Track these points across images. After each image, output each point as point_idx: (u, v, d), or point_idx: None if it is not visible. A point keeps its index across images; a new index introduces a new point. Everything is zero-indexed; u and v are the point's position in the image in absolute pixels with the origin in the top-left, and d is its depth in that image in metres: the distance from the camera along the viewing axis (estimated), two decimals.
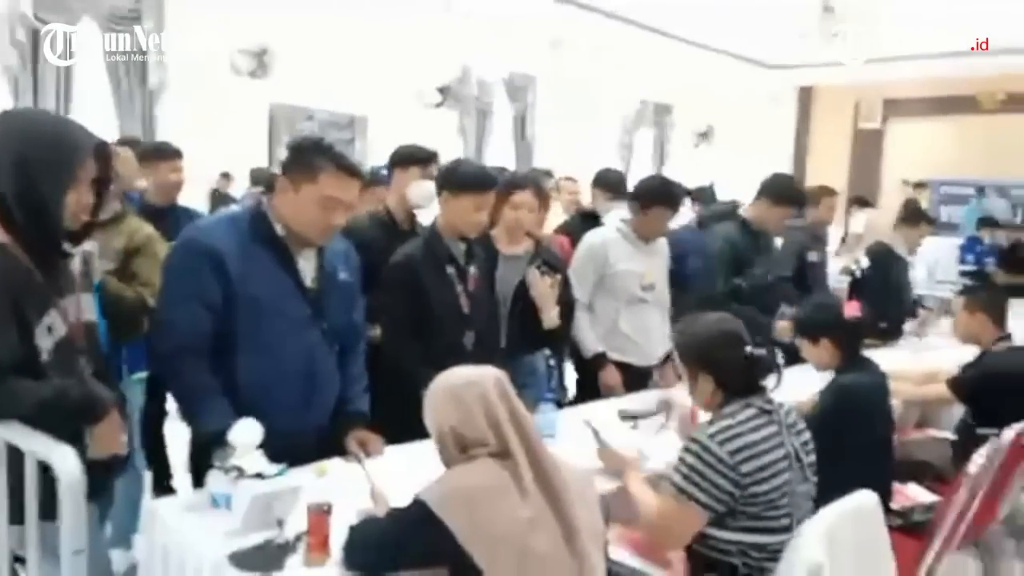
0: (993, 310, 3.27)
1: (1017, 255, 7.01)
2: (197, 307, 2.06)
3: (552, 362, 4.10)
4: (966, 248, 8.46)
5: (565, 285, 3.01)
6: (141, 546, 2.00)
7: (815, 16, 7.93)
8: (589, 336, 3.29)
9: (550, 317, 2.88)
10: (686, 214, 5.05)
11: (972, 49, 9.58)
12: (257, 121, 8.02)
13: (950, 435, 3.37)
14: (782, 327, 3.38)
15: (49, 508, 1.59)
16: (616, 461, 2.27)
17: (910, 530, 2.54)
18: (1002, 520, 2.76)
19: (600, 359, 3.27)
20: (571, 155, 9.31)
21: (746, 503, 1.90)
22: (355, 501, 1.87)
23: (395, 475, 2.02)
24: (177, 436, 2.58)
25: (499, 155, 9.93)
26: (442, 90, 9.33)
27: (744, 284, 3.57)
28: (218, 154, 6.99)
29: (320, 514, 1.70)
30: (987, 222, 8.84)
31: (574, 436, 2.47)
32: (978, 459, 2.40)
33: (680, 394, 2.42)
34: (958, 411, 3.31)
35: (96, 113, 6.75)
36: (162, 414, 3.31)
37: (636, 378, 3.33)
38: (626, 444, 2.39)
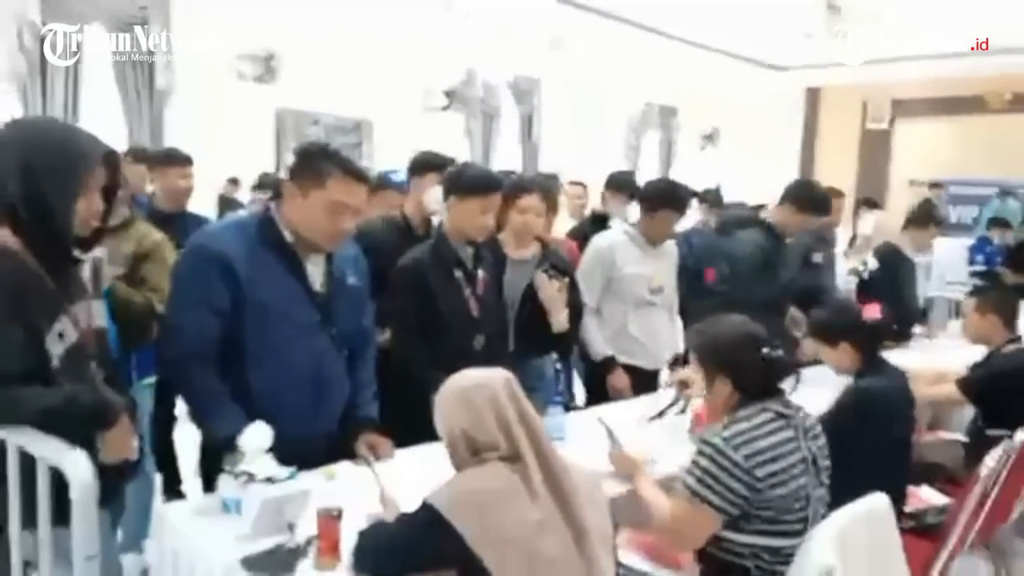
0: (1004, 312, 3.25)
1: None
2: (206, 313, 2.06)
3: (559, 366, 4.08)
4: (976, 248, 8.41)
5: (573, 289, 3.01)
6: (152, 551, 2.01)
7: (820, 16, 7.90)
8: (598, 340, 3.29)
9: (559, 321, 2.88)
10: (693, 216, 5.04)
11: (974, 49, 9.54)
12: (264, 126, 8.02)
13: (962, 437, 3.36)
14: (793, 317, 3.38)
15: (61, 513, 1.59)
16: (626, 464, 2.26)
17: (922, 532, 2.54)
18: (1015, 521, 2.75)
19: (609, 363, 3.27)
20: (578, 158, 9.30)
21: (760, 507, 1.89)
22: (365, 505, 1.87)
23: (404, 479, 2.02)
24: (187, 441, 2.59)
25: (506, 158, 9.93)
26: (448, 93, 9.33)
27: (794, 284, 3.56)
28: (225, 159, 7.00)
29: (330, 518, 1.70)
30: (997, 222, 8.78)
31: (583, 439, 2.47)
32: (990, 461, 2.39)
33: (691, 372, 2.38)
34: (969, 413, 3.30)
35: (104, 117, 6.78)
36: (171, 419, 3.31)
37: (644, 381, 3.32)
38: (639, 445, 2.37)
